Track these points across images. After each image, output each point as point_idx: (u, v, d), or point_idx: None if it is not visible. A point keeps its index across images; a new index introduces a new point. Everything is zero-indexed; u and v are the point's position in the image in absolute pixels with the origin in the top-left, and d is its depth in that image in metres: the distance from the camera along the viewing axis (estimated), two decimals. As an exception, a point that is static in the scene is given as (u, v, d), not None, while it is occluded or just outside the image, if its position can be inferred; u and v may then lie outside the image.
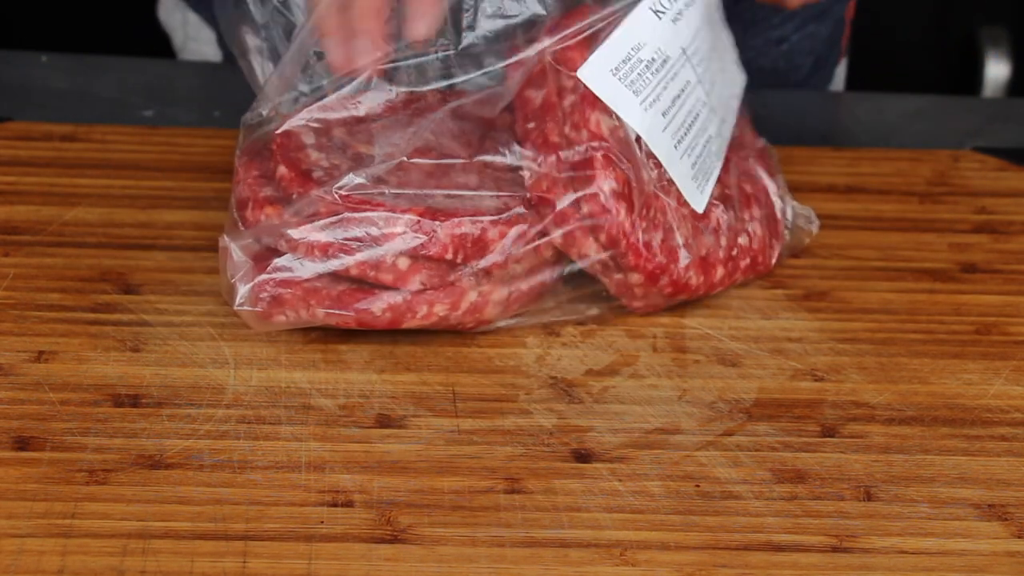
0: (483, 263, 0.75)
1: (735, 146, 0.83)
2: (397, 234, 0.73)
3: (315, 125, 0.75)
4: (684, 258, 0.77)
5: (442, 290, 0.75)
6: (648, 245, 0.76)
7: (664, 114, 0.77)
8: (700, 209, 0.79)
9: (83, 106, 0.98)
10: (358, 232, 0.73)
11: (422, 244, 0.73)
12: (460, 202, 0.74)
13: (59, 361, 0.74)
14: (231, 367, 0.74)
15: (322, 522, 0.65)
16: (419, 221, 0.73)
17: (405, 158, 0.75)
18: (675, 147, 0.77)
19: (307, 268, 0.73)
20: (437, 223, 0.73)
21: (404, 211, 0.73)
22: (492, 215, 0.74)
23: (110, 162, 0.90)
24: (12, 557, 0.62)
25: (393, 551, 0.64)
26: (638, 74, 0.76)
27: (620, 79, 0.75)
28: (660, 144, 0.77)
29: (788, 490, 0.69)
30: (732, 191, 0.82)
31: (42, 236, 0.83)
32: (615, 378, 0.75)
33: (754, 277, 0.83)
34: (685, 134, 0.78)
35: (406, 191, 0.74)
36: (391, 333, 0.76)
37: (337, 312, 0.74)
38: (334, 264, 0.73)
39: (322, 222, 0.73)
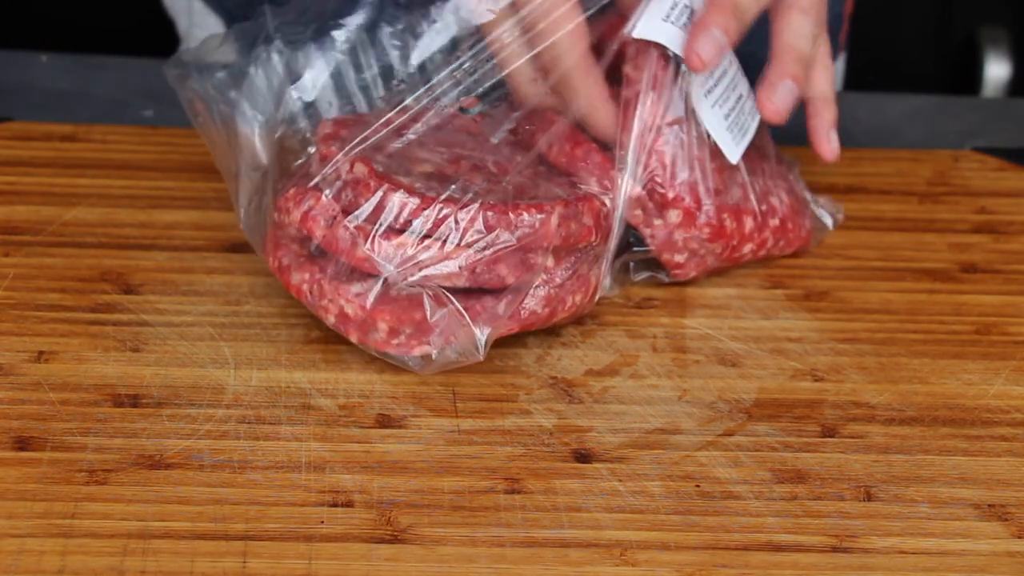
0: (611, 243, 0.76)
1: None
2: (553, 229, 0.73)
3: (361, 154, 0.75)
4: (717, 199, 0.80)
5: (576, 279, 0.76)
6: (685, 182, 0.79)
7: None
8: (734, 159, 0.81)
9: (83, 106, 0.98)
10: (511, 238, 0.72)
11: (575, 233, 0.74)
12: (545, 195, 0.75)
13: (59, 361, 0.74)
14: (231, 367, 0.74)
15: (322, 522, 0.65)
16: (566, 212, 0.73)
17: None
18: (705, 95, 0.80)
19: (492, 299, 0.73)
20: (582, 206, 0.74)
21: (552, 205, 0.73)
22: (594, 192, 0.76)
23: (110, 162, 0.90)
24: (12, 557, 0.62)
25: (393, 551, 0.64)
26: (686, 19, 0.78)
27: (672, 23, 0.78)
28: (693, 91, 0.80)
29: (788, 490, 0.69)
30: (757, 164, 0.84)
31: (42, 236, 0.83)
32: (615, 378, 0.75)
33: (787, 250, 0.84)
34: (715, 85, 0.80)
35: (512, 196, 0.74)
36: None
37: (508, 320, 0.74)
38: (490, 278, 0.73)
39: (469, 239, 0.72)
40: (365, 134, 0.75)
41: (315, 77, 0.80)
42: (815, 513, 0.67)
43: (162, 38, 1.16)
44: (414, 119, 0.77)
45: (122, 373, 0.74)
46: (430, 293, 0.72)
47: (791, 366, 0.77)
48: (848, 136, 0.91)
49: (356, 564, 0.63)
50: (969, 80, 1.36)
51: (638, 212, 0.79)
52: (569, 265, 0.75)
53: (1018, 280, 0.85)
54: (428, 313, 0.72)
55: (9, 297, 0.78)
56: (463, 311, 0.72)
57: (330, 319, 0.74)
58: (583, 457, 0.70)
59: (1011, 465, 0.71)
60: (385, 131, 0.76)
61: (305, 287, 0.74)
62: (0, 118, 0.94)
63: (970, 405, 0.75)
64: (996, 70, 1.37)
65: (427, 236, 0.72)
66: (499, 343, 0.77)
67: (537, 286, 0.74)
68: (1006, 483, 0.70)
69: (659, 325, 0.80)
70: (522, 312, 0.74)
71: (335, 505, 0.66)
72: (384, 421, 0.72)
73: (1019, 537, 0.67)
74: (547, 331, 0.78)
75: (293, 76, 0.79)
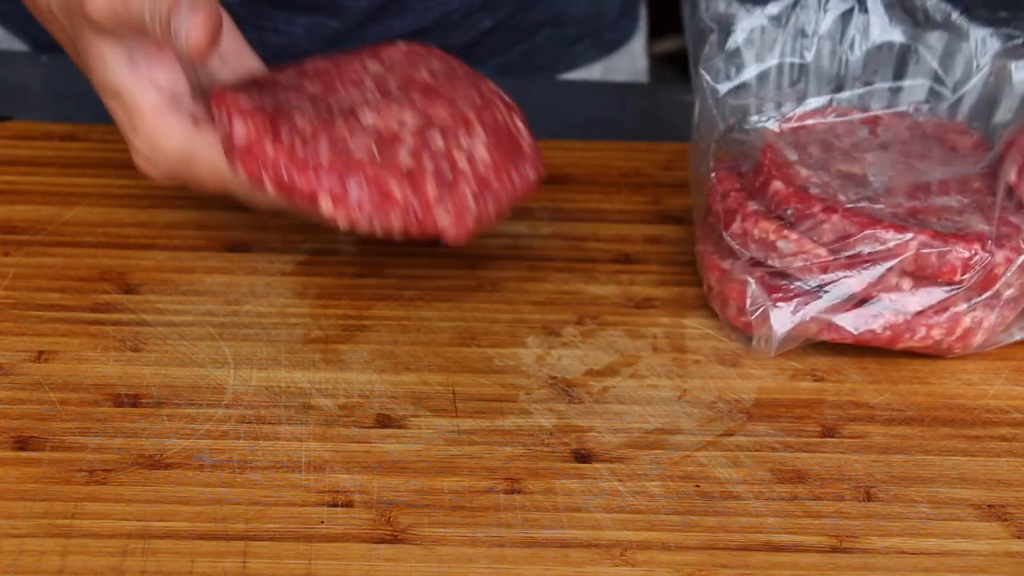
0: (988, 293, 0.75)
1: None
2: (908, 254, 0.73)
3: (793, 140, 0.78)
4: None
5: (941, 313, 0.75)
6: None
7: None
8: None
9: (83, 106, 0.98)
10: (865, 249, 0.73)
11: (934, 265, 0.74)
12: (953, 224, 0.75)
13: (59, 361, 0.74)
14: (231, 367, 0.74)
15: (322, 522, 0.65)
16: (931, 243, 0.73)
17: (886, 176, 0.77)
18: None
19: (829, 292, 0.75)
20: (951, 245, 0.73)
21: (916, 231, 0.73)
22: (993, 239, 0.75)
23: (110, 162, 0.90)
24: (12, 557, 0.62)
25: (393, 551, 0.64)
26: None
27: None
28: None
29: (788, 490, 0.69)
30: None
31: (42, 236, 0.83)
32: (615, 378, 0.75)
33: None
34: None
35: (903, 215, 0.75)
36: (390, 333, 0.76)
37: (837, 327, 0.75)
38: (836, 281, 0.74)
39: (825, 239, 0.74)
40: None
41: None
42: (815, 513, 0.67)
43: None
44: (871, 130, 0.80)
45: (122, 373, 0.74)
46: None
47: (791, 366, 0.77)
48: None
49: (356, 564, 0.63)
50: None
51: None
52: (936, 300, 0.75)
53: (1018, 280, 0.85)
54: (750, 296, 0.76)
55: (9, 297, 0.78)
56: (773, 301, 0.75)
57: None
58: (583, 457, 0.70)
59: (1011, 465, 0.71)
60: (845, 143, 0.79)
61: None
62: (0, 118, 0.94)
63: (970, 405, 0.75)
64: (996, 70, 1.37)
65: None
66: (499, 343, 0.77)
67: (883, 307, 0.75)
68: (1006, 483, 0.70)
69: (659, 325, 0.80)
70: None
71: (335, 505, 0.66)
72: (384, 421, 0.72)
73: (1019, 537, 0.67)
74: (547, 331, 0.78)
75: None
